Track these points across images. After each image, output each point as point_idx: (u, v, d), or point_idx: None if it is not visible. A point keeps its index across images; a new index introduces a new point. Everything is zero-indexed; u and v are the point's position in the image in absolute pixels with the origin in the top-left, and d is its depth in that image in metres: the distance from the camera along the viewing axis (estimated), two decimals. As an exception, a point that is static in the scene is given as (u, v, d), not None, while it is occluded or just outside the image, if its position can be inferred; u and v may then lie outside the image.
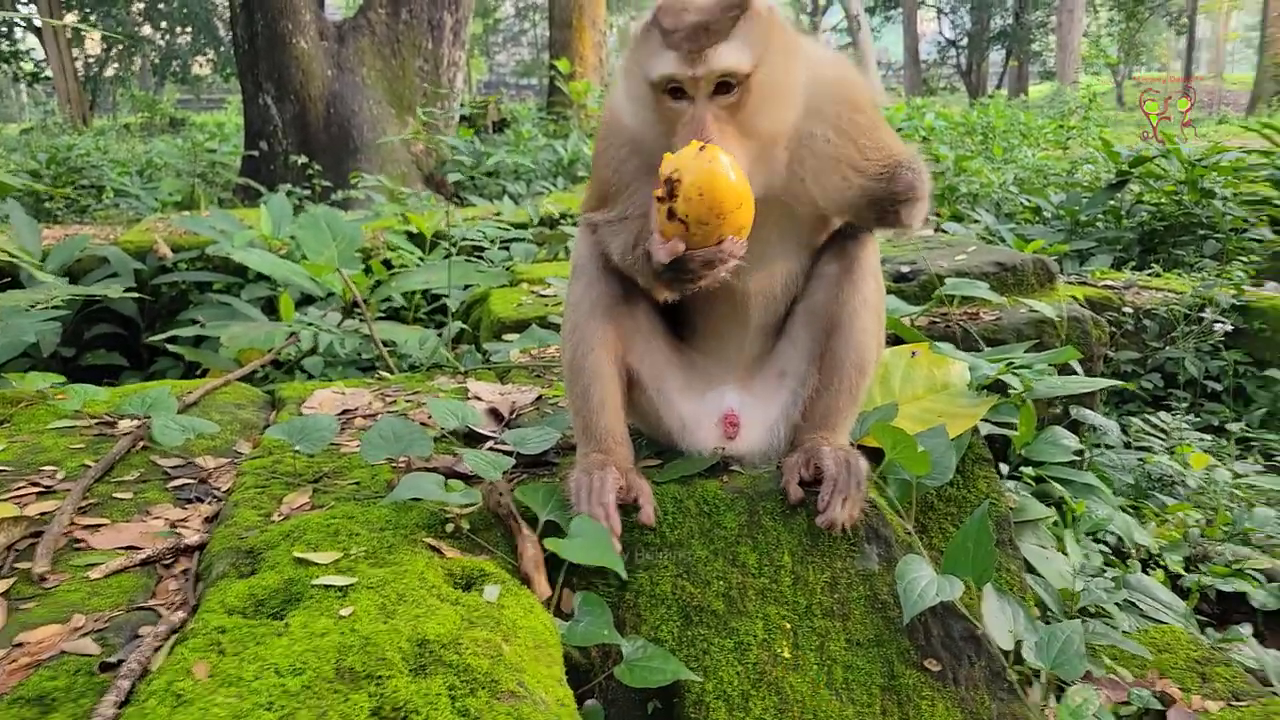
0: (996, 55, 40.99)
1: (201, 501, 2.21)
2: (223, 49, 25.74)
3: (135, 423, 2.55)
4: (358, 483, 2.18)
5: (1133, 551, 2.95)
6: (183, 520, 2.10)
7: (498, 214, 5.72)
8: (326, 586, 1.67)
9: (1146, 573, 3.03)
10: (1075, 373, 2.83)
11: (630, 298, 2.09)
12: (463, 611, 1.60)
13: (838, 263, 2.10)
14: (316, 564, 1.74)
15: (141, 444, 2.45)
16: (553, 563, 1.86)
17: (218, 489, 2.27)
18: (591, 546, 1.77)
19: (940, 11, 42.02)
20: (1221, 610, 3.19)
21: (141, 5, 27.81)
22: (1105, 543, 3.10)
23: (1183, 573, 3.06)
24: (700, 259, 1.75)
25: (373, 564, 1.74)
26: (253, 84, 10.47)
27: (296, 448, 2.15)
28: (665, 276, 1.81)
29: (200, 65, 29.36)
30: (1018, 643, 1.88)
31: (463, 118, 14.24)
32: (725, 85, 1.80)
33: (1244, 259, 6.57)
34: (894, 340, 2.76)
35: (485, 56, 45.20)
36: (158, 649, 1.55)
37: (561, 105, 15.10)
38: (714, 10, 1.78)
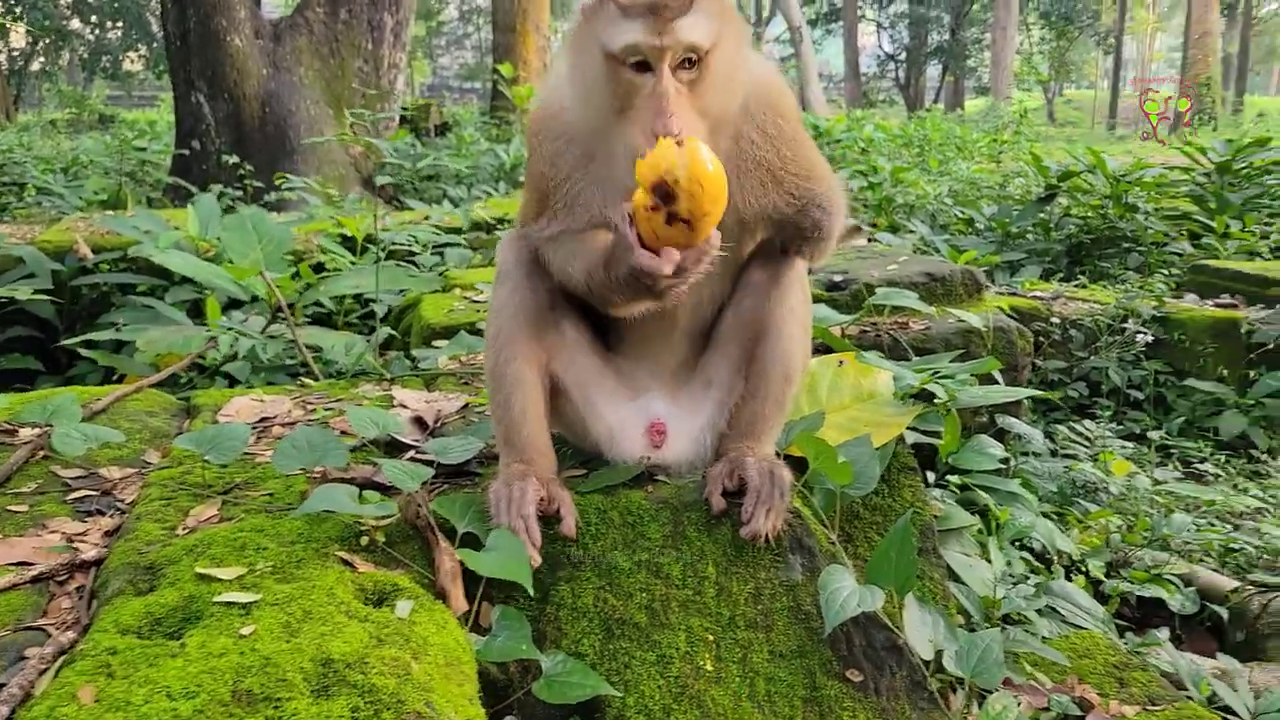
0: (934, 70, 41.90)
1: (103, 514, 2.12)
2: (155, 45, 25.07)
3: (37, 431, 2.44)
4: (271, 494, 2.11)
5: (1055, 558, 3.00)
6: (81, 534, 2.01)
7: (426, 218, 5.63)
8: (229, 604, 1.60)
9: (1070, 579, 3.08)
10: (998, 382, 2.87)
11: (556, 305, 2.05)
12: (371, 629, 1.54)
13: (765, 272, 2.09)
14: (220, 580, 1.67)
15: (42, 453, 2.34)
16: (474, 575, 1.81)
17: (121, 501, 2.18)
18: (505, 560, 1.73)
19: (880, 26, 42.84)
20: (1142, 615, 3.26)
21: (70, -1, 27.03)
22: (1031, 549, 3.15)
23: (1103, 579, 3.11)
24: (694, 258, 1.71)
25: (279, 579, 1.67)
26: (185, 81, 10.20)
27: (207, 458, 2.07)
28: (662, 289, 1.73)
29: (132, 61, 28.53)
30: (939, 652, 1.88)
31: (404, 120, 14.06)
32: (687, 60, 1.78)
33: (1165, 271, 6.78)
34: (823, 349, 2.76)
35: (428, 59, 44.80)
36: (43, 672, 1.47)
37: (504, 109, 15.00)
38: None
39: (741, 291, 2.12)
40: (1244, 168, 7.96)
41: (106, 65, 27.68)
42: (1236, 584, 3.24)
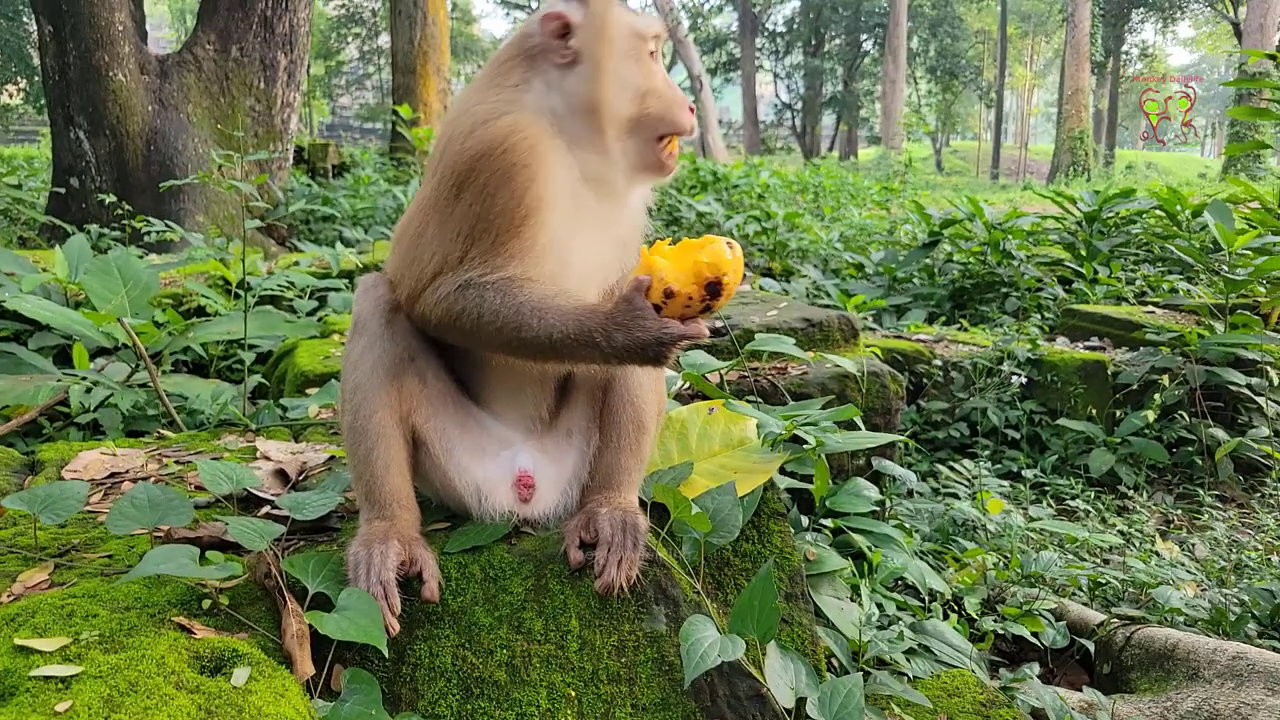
0: (829, 119, 43.42)
1: (-77, 581, 1.96)
2: (35, 78, 24.05)
3: None
4: (110, 556, 1.99)
5: (929, 598, 3.06)
6: (-104, 604, 1.85)
7: (295, 263, 5.49)
8: (46, 678, 1.49)
9: (947, 617, 3.14)
10: (859, 428, 2.93)
11: (416, 355, 2.00)
12: (201, 700, 1.45)
13: None
14: (39, 652, 1.55)
15: None
16: (325, 637, 1.73)
17: (-54, 566, 2.02)
18: (356, 621, 1.66)
19: (776, 76, 44.25)
20: (1018, 649, 3.35)
21: (-57, 29, 25.74)
22: (915, 589, 3.20)
23: (976, 616, 3.19)
24: (695, 330, 1.78)
25: (106, 649, 1.57)
26: (64, 118, 9.78)
27: (41, 518, 1.94)
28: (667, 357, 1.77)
29: (10, 95, 27.31)
30: (801, 699, 1.88)
31: (301, 160, 13.78)
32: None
33: (1040, 315, 7.10)
34: (697, 396, 2.78)
35: (328, 99, 44.15)
36: None
37: (403, 151, 14.86)
38: None
39: None
40: (1111, 217, 8.43)
41: (-18, 98, 26.43)
42: (1103, 617, 3.35)
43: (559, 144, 1.87)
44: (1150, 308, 6.57)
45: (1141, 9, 37.81)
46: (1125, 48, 41.42)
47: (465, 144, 1.84)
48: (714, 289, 1.75)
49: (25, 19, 24.43)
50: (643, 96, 1.91)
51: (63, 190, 9.74)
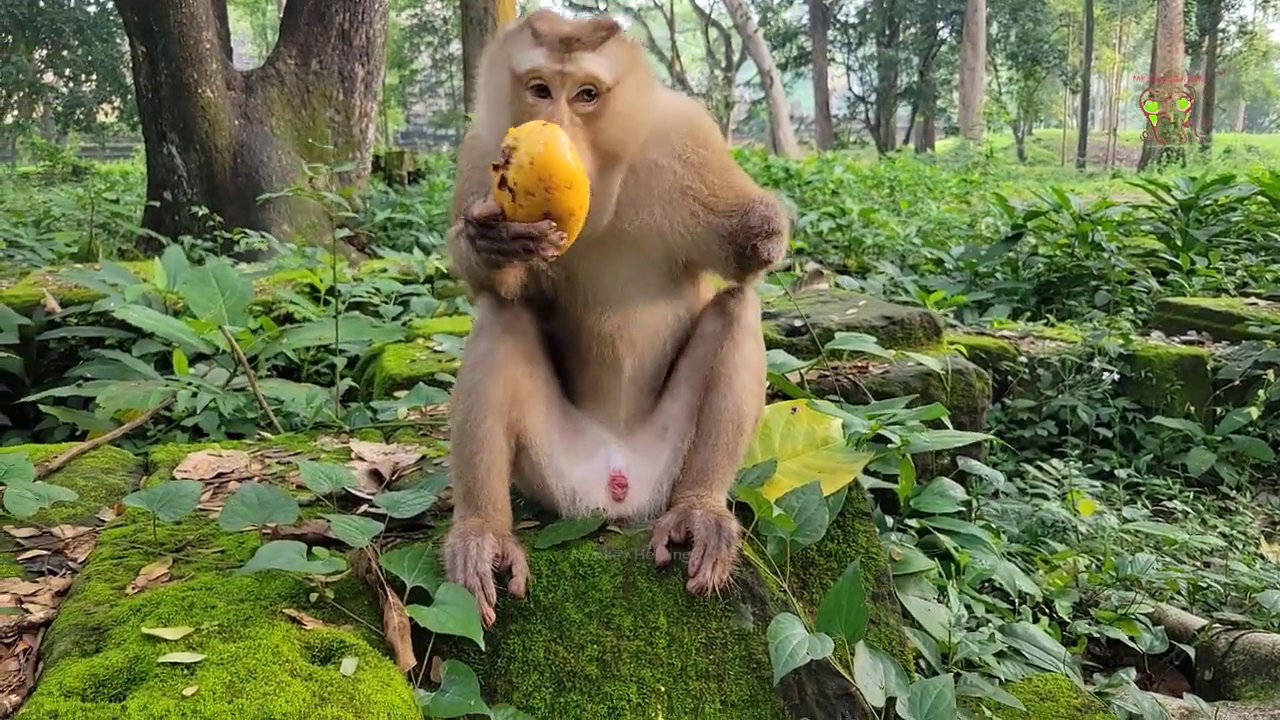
0: (904, 111, 42.62)
1: (54, 574, 2.10)
2: (129, 97, 25.14)
3: (-10, 491, 2.41)
4: (223, 551, 2.10)
5: (1019, 600, 3.00)
6: (31, 595, 1.98)
7: (383, 270, 5.65)
8: (173, 665, 1.58)
9: (1038, 620, 3.08)
10: (945, 427, 2.90)
11: (533, 360, 2.06)
12: (315, 687, 1.53)
13: (719, 321, 2.13)
14: (165, 640, 1.66)
15: (-5, 513, 2.32)
16: (424, 630, 1.80)
17: (73, 560, 2.16)
18: (454, 615, 1.72)
19: (849, 69, 43.61)
20: (1113, 654, 3.26)
21: (44, 52, 27.03)
22: (1003, 591, 3.15)
23: (1068, 620, 3.12)
24: (515, 231, 1.76)
25: (225, 639, 1.66)
26: (156, 134, 10.24)
27: (159, 516, 2.05)
28: (480, 245, 1.81)
29: (106, 113, 28.59)
30: (891, 699, 1.88)
31: (378, 168, 14.14)
32: (587, 92, 1.87)
33: (1132, 309, 6.87)
34: (778, 396, 2.79)
35: (402, 107, 45.10)
36: (-21, 740, 1.45)
37: (477, 157, 15.12)
38: (586, 26, 1.89)
39: (696, 341, 2.16)
40: (1209, 204, 8.10)
41: (81, 118, 27.70)
42: (1204, 622, 3.25)
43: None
44: (1253, 299, 6.30)
45: (1242, -17, 36.11)
46: (1222, 25, 39.67)
47: None
48: (505, 156, 1.71)
49: (119, 40, 25.56)
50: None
51: (157, 204, 10.18)
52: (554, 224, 1.74)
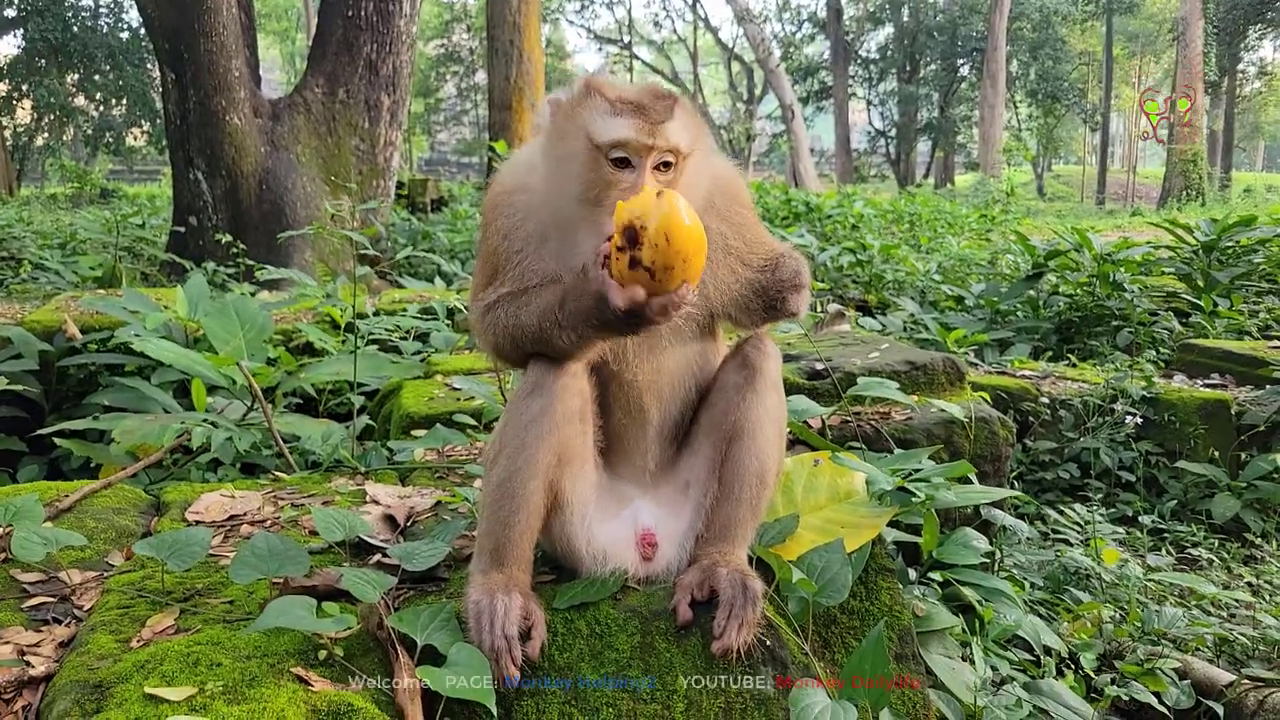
0: (924, 146, 42.67)
1: (59, 623, 2.06)
2: (158, 121, 25.52)
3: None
4: (231, 602, 2.06)
5: (1040, 655, 2.93)
6: (35, 646, 1.95)
7: (403, 306, 5.63)
8: (175, 728, 1.54)
9: (1061, 674, 3.00)
10: (971, 481, 2.84)
11: (584, 416, 2.01)
12: (320, 757, 1.48)
13: (741, 373, 2.09)
14: (168, 701, 1.61)
15: (2, 555, 2.29)
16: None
17: (80, 608, 2.12)
18: (467, 678, 1.67)
19: (870, 103, 43.76)
20: (1137, 708, 3.17)
21: (76, 76, 27.50)
22: (1027, 643, 3.06)
23: (1093, 674, 3.04)
24: (658, 305, 1.74)
25: (229, 700, 1.62)
26: (183, 159, 10.34)
27: (168, 564, 2.02)
28: (618, 324, 1.78)
29: (135, 137, 29.00)
30: (916, 771, 1.81)
31: (401, 196, 14.24)
32: (666, 163, 1.88)
33: (1154, 350, 6.78)
34: (799, 443, 2.73)
35: (426, 135, 45.55)
36: (-26, 806, 1.40)
37: (499, 186, 15.20)
38: (655, 94, 1.91)
39: (717, 394, 2.12)
40: (1230, 246, 8.03)
41: (110, 141, 28.12)
42: (1232, 678, 3.16)
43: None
44: (1276, 343, 6.21)
45: (1260, 25, 36.08)
46: (1241, 65, 39.64)
47: None
48: (630, 236, 1.67)
49: (150, 65, 25.98)
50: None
51: (182, 229, 10.27)
52: (688, 284, 1.73)
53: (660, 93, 1.91)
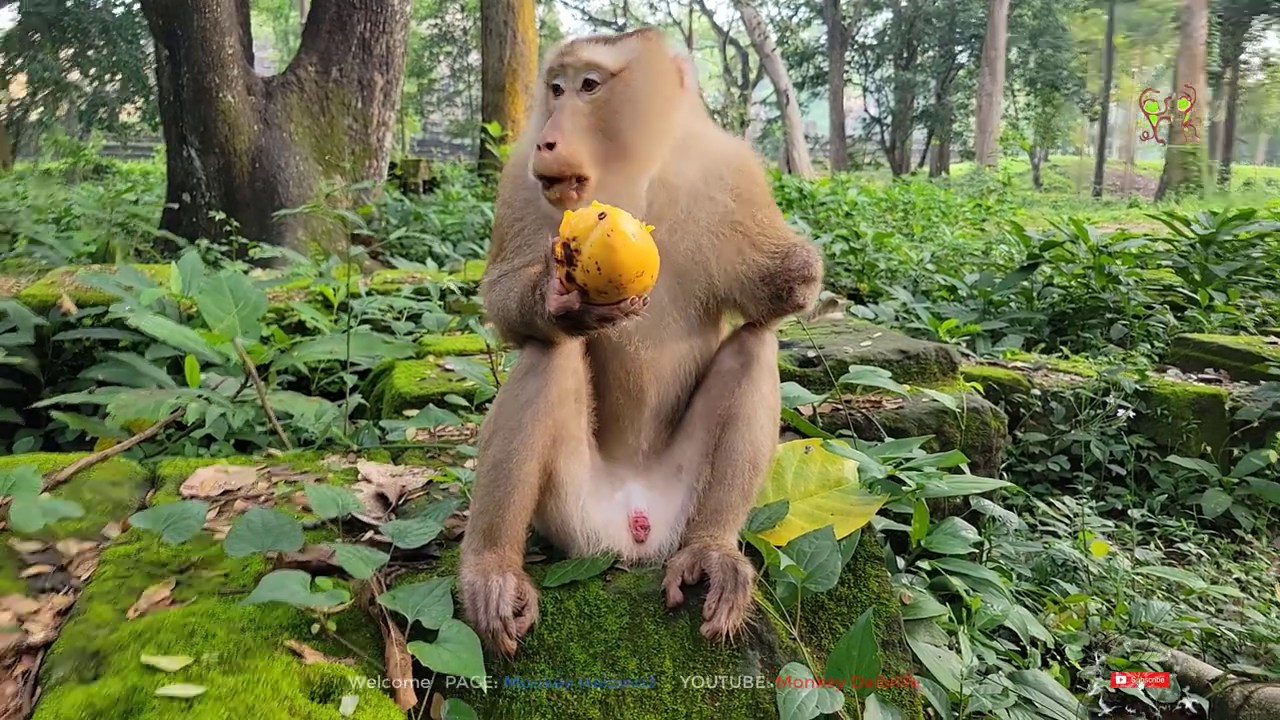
0: (920, 133, 42.57)
1: (57, 592, 2.08)
2: (152, 98, 25.37)
3: (-4, 501, 2.39)
4: (226, 574, 2.07)
5: (1026, 646, 2.96)
6: (33, 613, 1.96)
7: (396, 287, 5.63)
8: (171, 697, 1.56)
9: (1047, 665, 3.03)
10: (963, 471, 2.86)
11: (580, 397, 2.01)
12: (313, 729, 1.50)
13: (738, 359, 2.10)
14: (164, 670, 1.63)
15: (1, 525, 2.30)
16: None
17: (77, 578, 2.14)
18: (456, 653, 1.69)
19: (866, 90, 43.62)
20: (1124, 701, 3.21)
21: (70, 51, 27.28)
22: (1013, 633, 3.10)
23: (1078, 666, 3.07)
24: (596, 315, 1.74)
25: (225, 671, 1.64)
26: (177, 136, 10.30)
27: (164, 536, 2.03)
28: (560, 324, 1.79)
29: (129, 113, 28.79)
30: (900, 752, 1.84)
31: (393, 176, 14.18)
32: (589, 80, 1.90)
33: (1148, 344, 6.80)
34: (789, 430, 2.75)
35: (419, 115, 45.29)
36: (-28, 771, 1.42)
37: (491, 167, 15.15)
38: (607, 33, 1.94)
39: (713, 379, 2.13)
40: (1228, 240, 8.02)
41: (104, 117, 27.92)
42: (1219, 673, 3.19)
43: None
44: (1273, 338, 6.22)
45: (1265, 15, 35.91)
46: (1245, 56, 39.53)
47: None
48: (567, 255, 1.66)
49: (144, 41, 25.79)
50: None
51: (175, 206, 10.23)
52: (633, 300, 1.71)
53: (618, 29, 1.96)
